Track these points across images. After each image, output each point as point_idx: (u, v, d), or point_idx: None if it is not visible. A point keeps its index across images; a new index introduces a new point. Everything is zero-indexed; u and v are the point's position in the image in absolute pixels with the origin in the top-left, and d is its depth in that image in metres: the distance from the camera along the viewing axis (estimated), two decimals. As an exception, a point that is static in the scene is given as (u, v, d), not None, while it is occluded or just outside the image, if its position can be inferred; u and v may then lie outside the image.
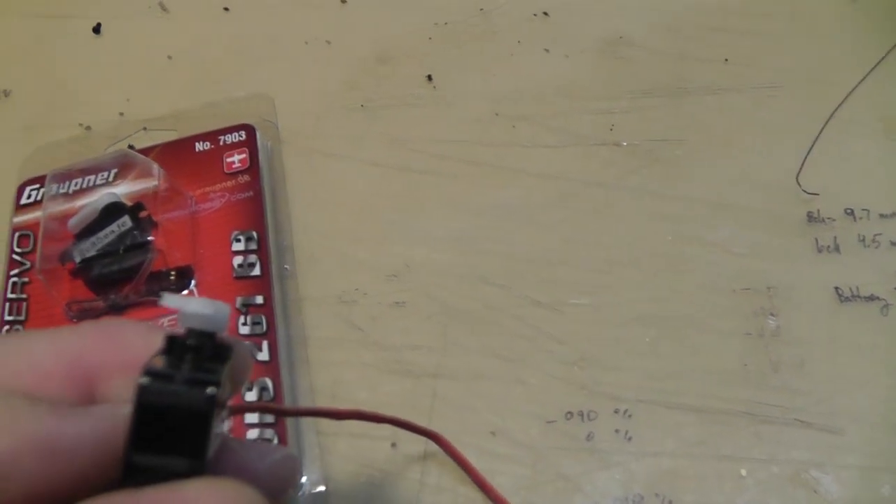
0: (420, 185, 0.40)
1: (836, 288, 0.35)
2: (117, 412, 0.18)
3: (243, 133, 0.40)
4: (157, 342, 0.18)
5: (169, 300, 0.18)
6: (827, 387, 0.33)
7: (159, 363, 0.17)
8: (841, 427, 0.32)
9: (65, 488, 0.17)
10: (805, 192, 0.37)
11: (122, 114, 0.44)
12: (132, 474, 0.17)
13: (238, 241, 0.37)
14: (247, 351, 0.21)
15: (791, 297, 0.35)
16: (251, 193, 0.38)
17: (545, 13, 0.45)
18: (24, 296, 0.38)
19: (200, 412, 0.17)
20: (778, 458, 0.31)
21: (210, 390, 0.17)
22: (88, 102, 0.45)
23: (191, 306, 0.18)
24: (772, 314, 0.35)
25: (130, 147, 0.42)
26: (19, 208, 0.41)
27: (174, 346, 0.18)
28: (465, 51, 0.44)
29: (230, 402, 0.20)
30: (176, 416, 0.17)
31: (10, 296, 0.38)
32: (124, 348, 0.19)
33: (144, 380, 0.16)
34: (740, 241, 0.37)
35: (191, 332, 0.18)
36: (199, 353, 0.18)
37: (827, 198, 0.37)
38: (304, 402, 0.34)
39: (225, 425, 0.20)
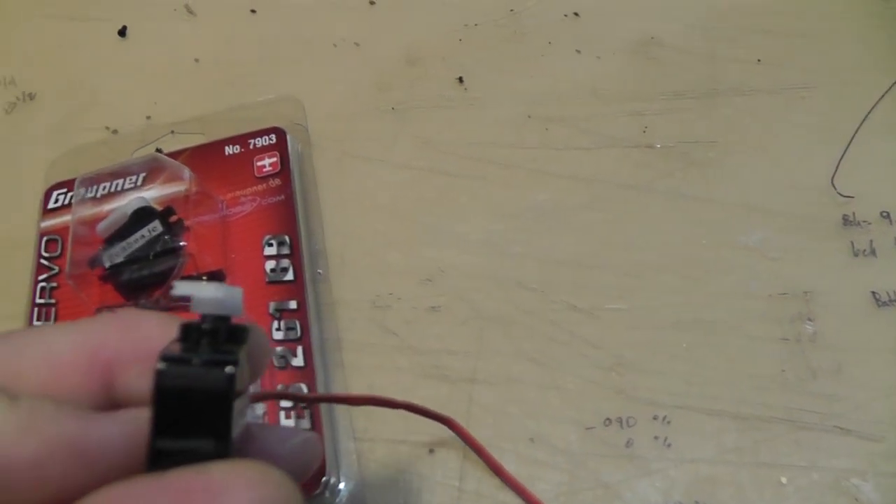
0: (453, 188, 0.39)
1: (873, 292, 0.35)
2: (142, 415, 0.17)
3: (273, 136, 0.40)
4: (175, 330, 0.18)
5: (180, 287, 0.18)
6: (866, 393, 0.33)
7: (176, 349, 0.17)
8: (881, 434, 0.32)
9: (91, 490, 0.16)
10: (840, 194, 0.37)
11: (149, 117, 0.44)
12: (157, 460, 0.17)
13: (270, 245, 0.37)
14: (263, 334, 0.21)
15: (828, 302, 0.35)
16: (282, 197, 0.38)
17: (576, 14, 0.44)
18: (52, 301, 0.38)
19: (220, 391, 0.17)
20: (818, 465, 0.31)
21: (228, 369, 0.17)
22: (115, 106, 0.45)
23: (203, 291, 0.18)
24: (809, 319, 0.35)
25: (158, 151, 0.42)
26: (46, 212, 0.41)
27: (189, 332, 0.18)
28: (496, 52, 0.43)
29: (252, 390, 0.20)
30: (196, 398, 0.17)
31: (38, 301, 0.38)
32: (142, 338, 0.19)
33: (162, 365, 0.17)
34: (775, 245, 0.36)
35: (205, 318, 0.18)
36: (214, 336, 0.18)
37: (862, 201, 0.37)
38: (340, 408, 0.34)
39: (251, 414, 0.20)
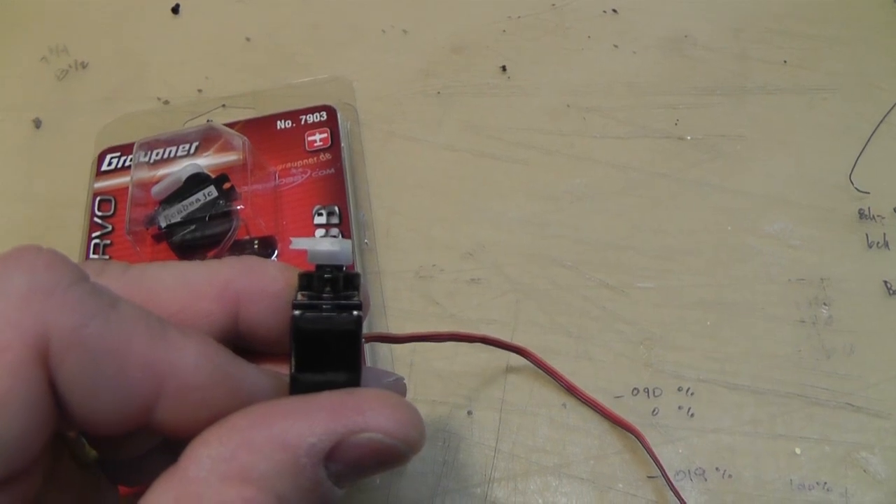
0: (494, 170, 0.41)
1: (885, 281, 0.37)
2: (282, 373, 0.20)
3: (324, 113, 0.42)
4: (295, 277, 0.20)
5: (298, 242, 0.20)
6: (876, 374, 0.35)
7: (303, 298, 0.20)
8: (888, 411, 0.34)
9: None
10: (857, 190, 0.39)
11: (200, 90, 0.46)
12: (298, 389, 0.19)
13: (320, 214, 0.39)
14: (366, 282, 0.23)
15: (843, 289, 0.37)
16: (332, 170, 0.40)
17: (614, 10, 0.46)
18: (106, 257, 0.40)
19: (351, 331, 0.19)
20: (830, 438, 0.33)
21: (356, 312, 0.19)
22: (166, 79, 0.47)
23: (321, 245, 0.20)
24: (824, 304, 0.37)
25: (209, 122, 0.43)
26: (100, 174, 0.42)
27: (310, 280, 0.20)
28: (538, 44, 0.45)
29: None
30: (330, 338, 0.19)
31: (91, 257, 0.40)
32: (269, 279, 0.22)
33: (297, 311, 0.19)
34: (795, 235, 0.39)
35: (321, 268, 0.20)
36: (334, 283, 0.20)
37: (877, 196, 0.39)
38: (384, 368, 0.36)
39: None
